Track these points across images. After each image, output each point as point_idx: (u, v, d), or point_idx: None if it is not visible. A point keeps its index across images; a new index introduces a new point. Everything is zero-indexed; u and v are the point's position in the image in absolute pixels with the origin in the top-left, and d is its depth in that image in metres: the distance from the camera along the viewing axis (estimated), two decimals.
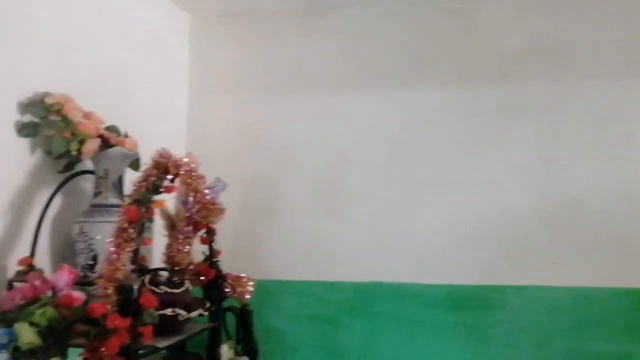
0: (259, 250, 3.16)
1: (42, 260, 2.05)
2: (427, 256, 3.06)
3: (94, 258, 2.10)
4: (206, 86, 3.33)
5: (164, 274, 2.24)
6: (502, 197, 3.00)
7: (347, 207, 3.14)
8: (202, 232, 2.46)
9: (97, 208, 2.17)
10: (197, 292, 2.43)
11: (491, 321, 2.92)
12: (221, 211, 2.38)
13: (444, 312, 2.97)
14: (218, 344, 2.51)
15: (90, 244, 2.11)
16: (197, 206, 2.25)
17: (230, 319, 2.95)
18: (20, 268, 1.89)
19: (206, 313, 2.36)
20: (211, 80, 3.32)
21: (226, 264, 2.61)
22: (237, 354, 2.89)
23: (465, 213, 3.02)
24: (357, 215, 3.13)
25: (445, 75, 3.13)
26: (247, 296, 2.77)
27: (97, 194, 2.20)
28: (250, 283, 2.78)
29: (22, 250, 1.99)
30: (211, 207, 2.28)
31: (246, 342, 2.93)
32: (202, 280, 2.45)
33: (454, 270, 3.01)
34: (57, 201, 2.18)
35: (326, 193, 3.17)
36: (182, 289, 2.16)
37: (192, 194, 2.20)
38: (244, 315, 2.94)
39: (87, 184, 2.34)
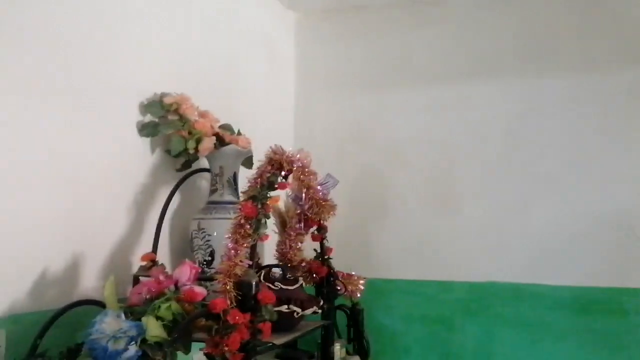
0: (369, 248, 3.11)
1: (163, 255, 2.11)
2: (546, 255, 2.86)
3: (211, 254, 2.14)
4: (312, 83, 3.32)
5: (277, 270, 2.23)
6: (633, 191, 2.75)
7: (460, 203, 3.01)
8: (313, 229, 2.44)
9: (214, 205, 2.21)
10: (310, 289, 2.41)
11: (625, 327, 2.68)
12: (333, 208, 2.35)
13: (569, 316, 2.76)
14: (331, 343, 2.48)
15: (208, 240, 2.15)
16: (309, 203, 2.23)
17: (341, 318, 2.93)
18: (144, 263, 1.95)
19: (320, 311, 2.33)
20: (317, 76, 3.32)
21: (336, 262, 2.58)
22: (347, 353, 2.85)
23: (590, 208, 2.80)
24: (470, 212, 2.99)
25: (565, 61, 2.92)
26: (358, 294, 2.73)
27: (213, 191, 2.24)
28: (361, 281, 2.73)
29: (145, 246, 2.06)
30: (323, 203, 2.26)
31: (357, 341, 2.88)
32: (314, 277, 2.43)
33: (577, 271, 2.79)
34: (176, 198, 2.24)
35: (437, 189, 3.06)
36: (297, 285, 2.14)
37: (304, 190, 2.18)
38: (354, 313, 2.90)
39: (204, 181, 2.39)
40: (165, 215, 2.15)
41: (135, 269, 1.98)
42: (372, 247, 3.10)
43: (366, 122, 3.21)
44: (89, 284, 1.84)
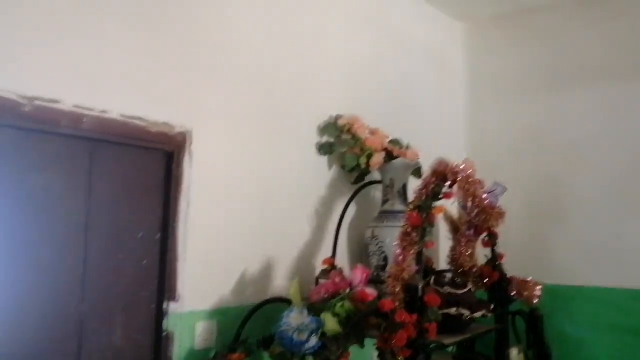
0: (547, 253, 3.05)
1: (341, 260, 2.36)
2: None
3: (385, 259, 2.33)
4: (483, 90, 3.36)
5: (448, 275, 2.35)
6: None
7: None
8: (483, 235, 2.51)
9: (385, 214, 2.40)
10: (482, 294, 2.48)
11: None
12: (501, 215, 2.39)
13: None
14: (505, 347, 2.52)
15: (381, 247, 2.35)
16: (476, 210, 2.31)
17: (520, 323, 2.92)
18: (324, 266, 2.21)
19: (490, 314, 2.38)
20: (487, 83, 3.35)
21: (512, 268, 2.60)
22: (527, 358, 2.84)
23: None
24: None
25: None
26: (535, 300, 2.71)
27: (384, 201, 2.44)
28: (538, 287, 2.71)
29: (325, 251, 2.33)
30: (490, 210, 2.32)
31: (537, 347, 2.86)
32: (485, 282, 2.49)
33: None
34: (351, 209, 2.48)
35: (625, 191, 2.90)
36: (465, 289, 2.23)
37: (470, 198, 2.26)
38: (533, 319, 2.88)
39: (376, 192, 2.60)
40: (342, 224, 2.40)
41: (317, 271, 2.25)
42: (550, 252, 3.04)
43: (541, 126, 3.16)
44: (279, 283, 2.15)
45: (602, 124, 2.98)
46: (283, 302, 1.97)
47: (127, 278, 1.76)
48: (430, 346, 2.07)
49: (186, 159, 1.88)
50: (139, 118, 1.76)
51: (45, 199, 1.61)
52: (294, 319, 1.74)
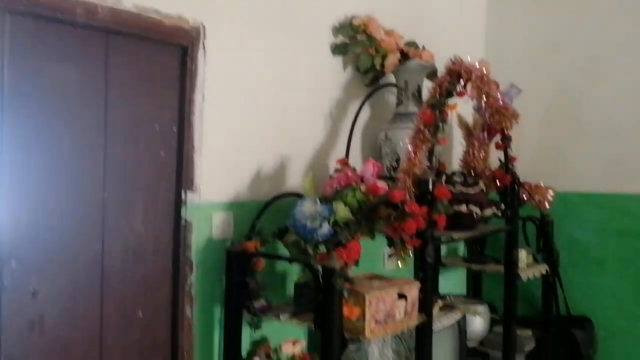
0: (561, 161, 3.06)
1: (355, 161, 2.40)
2: None
3: (397, 161, 2.37)
4: None
5: (461, 175, 2.38)
6: None
7: None
8: (497, 138, 2.52)
9: (399, 116, 2.42)
10: (494, 197, 2.52)
11: None
12: (515, 116, 2.39)
13: None
14: (514, 248, 2.58)
15: (394, 148, 2.38)
16: (490, 111, 2.31)
17: (530, 229, 2.98)
18: (338, 166, 2.25)
19: (500, 215, 2.43)
20: None
21: (525, 174, 2.63)
22: (535, 261, 2.92)
23: None
24: None
25: None
26: (547, 205, 2.76)
27: (398, 103, 2.45)
28: (550, 192, 2.76)
29: (339, 152, 2.37)
30: (504, 111, 2.32)
31: (546, 251, 2.94)
32: (498, 185, 2.53)
33: None
34: (366, 111, 2.50)
35: None
36: (477, 188, 2.27)
37: (484, 98, 2.26)
38: (543, 224, 2.94)
39: (390, 96, 2.60)
40: (357, 126, 2.43)
41: (331, 171, 2.30)
42: (566, 160, 3.05)
43: (563, 33, 3.09)
44: (293, 181, 2.20)
45: (626, 32, 2.90)
46: (297, 197, 2.03)
47: (146, 168, 1.83)
48: (440, 239, 2.15)
49: (200, 54, 1.89)
50: (154, 10, 1.76)
51: (64, 90, 1.65)
52: (307, 207, 1.80)
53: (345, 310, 1.65)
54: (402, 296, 1.84)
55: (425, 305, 1.94)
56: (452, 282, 3.09)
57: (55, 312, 1.64)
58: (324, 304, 1.64)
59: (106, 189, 1.74)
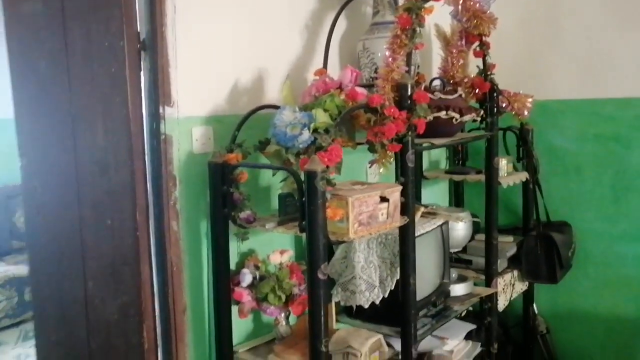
0: (540, 69, 3.06)
1: (333, 73, 2.36)
2: None
3: (376, 71, 2.35)
4: None
5: (439, 82, 2.38)
6: None
7: None
8: (475, 45, 2.51)
9: (376, 26, 2.38)
10: (473, 105, 2.53)
11: None
12: (492, 21, 2.39)
13: None
14: (494, 156, 2.62)
15: (372, 59, 2.36)
16: (467, 15, 2.29)
17: (511, 140, 3.02)
18: (316, 77, 2.23)
19: (479, 120, 2.45)
20: None
21: (506, 83, 2.64)
22: (515, 169, 2.98)
23: None
24: None
25: None
26: (526, 112, 2.78)
27: (375, 13, 2.41)
28: (529, 99, 2.77)
29: (316, 65, 2.34)
30: (481, 15, 2.30)
31: (526, 159, 2.98)
32: (477, 93, 2.54)
33: None
34: (342, 23, 2.46)
35: (625, 4, 2.84)
36: (456, 95, 2.27)
37: (460, 1, 2.24)
38: (523, 133, 2.98)
39: (367, 7, 2.55)
40: (334, 38, 2.39)
41: (309, 83, 2.28)
42: (543, 68, 3.05)
43: None
44: (272, 94, 2.19)
45: None
46: (276, 109, 2.02)
47: (104, 83, 1.81)
48: (421, 145, 2.17)
49: None
50: None
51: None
52: (287, 115, 1.79)
53: (329, 212, 1.68)
54: (384, 199, 1.87)
55: (407, 208, 1.98)
56: (434, 194, 3.15)
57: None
58: (308, 207, 1.66)
59: (72, 103, 1.74)
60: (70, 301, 2.04)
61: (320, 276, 1.68)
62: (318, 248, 1.68)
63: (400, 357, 2.06)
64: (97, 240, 1.97)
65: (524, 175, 2.93)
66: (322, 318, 1.70)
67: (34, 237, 2.15)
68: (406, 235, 2.04)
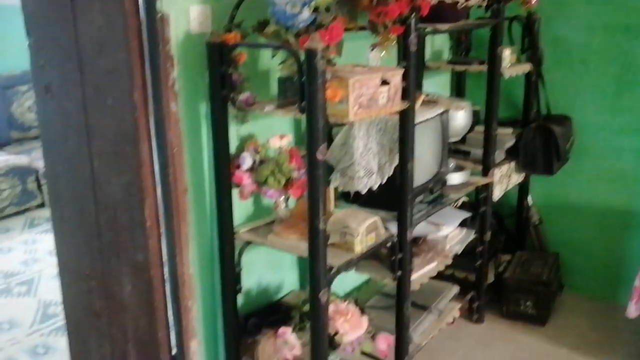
0: None
1: None
2: None
3: None
4: None
5: None
6: None
7: None
8: None
9: None
10: None
11: None
12: None
13: None
14: (498, 45, 2.56)
15: None
16: None
17: (516, 30, 2.94)
18: None
19: (484, 4, 2.38)
20: None
21: None
22: (519, 60, 2.92)
23: None
24: None
25: None
26: (533, 1, 2.69)
27: None
28: None
29: None
30: None
31: (531, 49, 2.93)
32: None
33: None
34: None
35: None
36: None
37: None
38: (529, 23, 2.90)
39: None
40: None
41: None
42: None
43: None
44: None
45: None
46: None
47: None
48: (424, 29, 2.11)
49: None
50: None
51: None
52: None
53: (329, 93, 1.67)
54: (385, 83, 1.85)
55: (408, 92, 1.96)
56: (436, 85, 3.11)
57: None
58: (308, 87, 1.64)
59: None
60: (79, 179, 2.08)
61: (319, 157, 1.70)
62: (317, 129, 1.68)
63: (395, 239, 2.13)
64: (100, 120, 1.97)
65: (527, 67, 2.89)
66: (321, 198, 1.74)
67: (44, 115, 2.16)
68: (406, 121, 2.04)
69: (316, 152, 1.69)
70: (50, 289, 3.32)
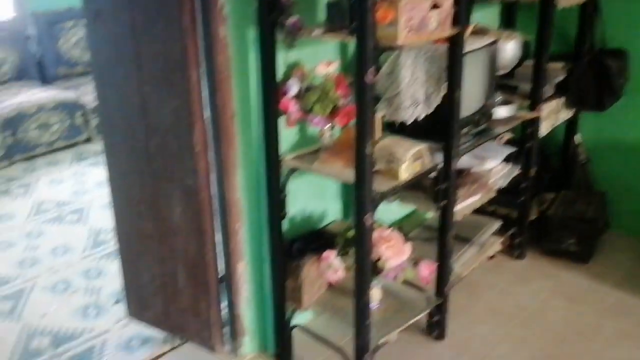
0: None
1: None
2: None
3: None
4: None
5: None
6: None
7: None
8: None
9: None
10: None
11: None
12: None
13: None
14: None
15: None
16: None
17: None
18: None
19: None
20: None
21: None
22: None
23: None
24: None
25: None
26: None
27: None
28: None
29: None
30: None
31: None
32: None
33: None
34: None
35: None
36: None
37: None
38: None
39: None
40: None
41: None
42: None
43: None
44: None
45: None
46: None
47: None
48: None
49: None
50: None
51: None
52: None
53: (379, 14, 1.64)
54: (436, 7, 1.80)
55: (458, 18, 1.91)
56: (484, 17, 3.01)
57: None
58: (358, 8, 1.62)
59: None
60: (130, 106, 2.13)
61: (368, 80, 1.69)
62: (367, 52, 1.67)
63: (441, 168, 2.12)
64: (149, 45, 1.99)
65: None
66: (369, 121, 1.74)
67: (94, 42, 2.19)
68: (455, 48, 2.00)
69: (365, 76, 1.68)
70: (100, 218, 3.45)
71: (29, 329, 2.53)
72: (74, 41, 4.91)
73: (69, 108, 4.51)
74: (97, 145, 4.54)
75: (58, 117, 4.45)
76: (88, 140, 4.63)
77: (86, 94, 4.59)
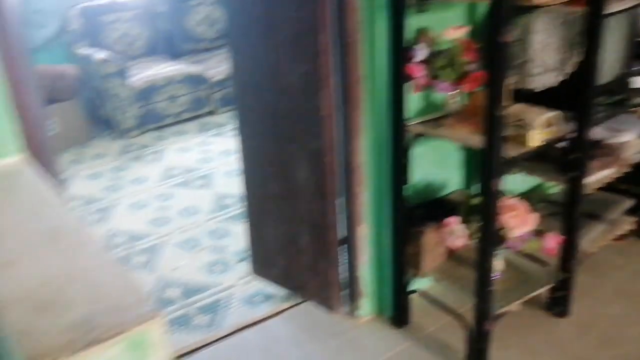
0: None
1: None
2: None
3: None
4: None
5: None
6: None
7: None
8: None
9: None
10: None
11: None
12: None
13: None
14: None
15: None
16: None
17: None
18: None
19: None
20: None
21: None
22: None
23: None
24: None
25: None
26: None
27: None
28: None
29: None
30: None
31: None
32: None
33: None
34: None
35: None
36: None
37: None
38: None
39: None
40: None
41: None
42: None
43: None
44: None
45: None
46: None
47: None
48: None
49: None
50: None
51: None
52: None
53: None
54: None
55: None
56: None
57: None
58: None
59: None
60: (261, 69, 2.22)
61: (502, 40, 1.65)
62: (502, 11, 1.63)
63: (572, 136, 2.04)
64: (281, 10, 2.06)
65: None
66: (501, 84, 1.71)
67: (230, 7, 2.30)
68: (594, 10, 1.90)
69: (499, 36, 1.65)
70: (224, 184, 3.65)
71: (163, 280, 2.75)
72: (199, 18, 5.16)
73: (195, 81, 4.76)
74: (220, 118, 4.78)
75: (185, 89, 4.72)
76: (211, 112, 4.88)
77: (210, 68, 4.83)
